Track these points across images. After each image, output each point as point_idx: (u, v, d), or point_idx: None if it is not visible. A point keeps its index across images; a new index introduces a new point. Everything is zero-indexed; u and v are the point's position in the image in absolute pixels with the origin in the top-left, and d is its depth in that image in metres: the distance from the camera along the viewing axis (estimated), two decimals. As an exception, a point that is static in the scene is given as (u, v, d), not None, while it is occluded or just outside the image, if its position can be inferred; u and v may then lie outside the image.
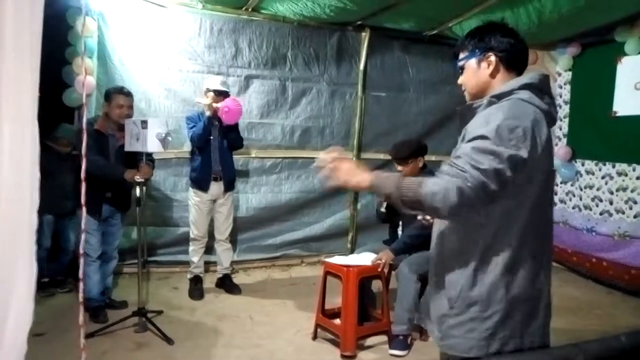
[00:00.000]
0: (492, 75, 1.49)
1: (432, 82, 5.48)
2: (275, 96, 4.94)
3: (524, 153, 1.28)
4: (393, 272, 3.41)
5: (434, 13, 4.55)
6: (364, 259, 3.33)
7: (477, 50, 1.50)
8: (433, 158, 5.06)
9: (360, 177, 1.47)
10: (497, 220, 1.36)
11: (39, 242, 4.32)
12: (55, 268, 4.13)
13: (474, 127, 1.37)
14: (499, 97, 1.42)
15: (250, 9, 4.56)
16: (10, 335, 1.23)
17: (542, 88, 1.44)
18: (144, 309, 3.36)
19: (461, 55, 1.56)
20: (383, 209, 3.52)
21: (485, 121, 1.35)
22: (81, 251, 1.76)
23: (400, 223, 3.52)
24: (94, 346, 3.03)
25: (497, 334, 1.36)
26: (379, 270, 3.23)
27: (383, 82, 5.31)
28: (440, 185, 1.30)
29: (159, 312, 3.61)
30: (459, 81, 1.59)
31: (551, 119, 1.43)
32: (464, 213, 1.33)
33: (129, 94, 3.54)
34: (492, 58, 1.48)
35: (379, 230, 4.30)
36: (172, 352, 3.09)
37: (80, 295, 1.62)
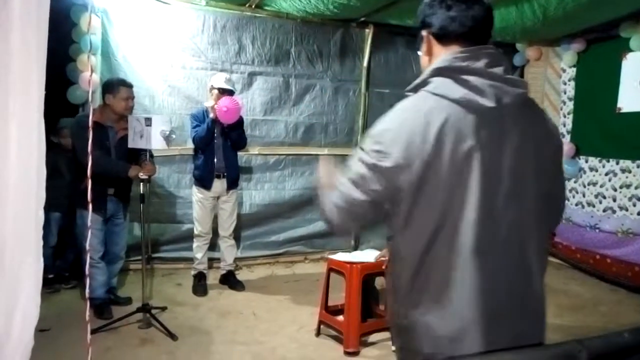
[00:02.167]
0: (429, 55, 1.28)
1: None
2: (278, 93, 4.95)
3: (386, 162, 1.14)
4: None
5: (437, 9, 4.53)
6: (367, 255, 3.34)
7: (418, 30, 1.30)
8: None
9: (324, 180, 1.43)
10: (396, 235, 1.24)
11: (45, 240, 4.34)
12: (61, 264, 4.15)
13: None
14: (415, 89, 1.24)
15: (253, 6, 4.56)
16: (17, 331, 1.24)
17: (462, 68, 1.17)
18: (148, 305, 3.37)
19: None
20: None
21: (377, 121, 1.24)
22: (87, 247, 1.76)
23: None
24: (99, 342, 3.04)
25: None
26: (383, 267, 3.23)
27: (387, 79, 5.30)
28: (327, 197, 1.29)
29: (163, 309, 3.63)
30: None
31: (478, 107, 1.14)
32: (352, 229, 1.28)
33: (131, 85, 3.54)
34: (424, 36, 1.28)
35: (383, 227, 4.30)
36: (176, 348, 3.11)
37: (87, 291, 1.63)
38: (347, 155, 4.79)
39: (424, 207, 1.16)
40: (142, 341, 3.18)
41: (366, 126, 5.25)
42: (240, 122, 4.06)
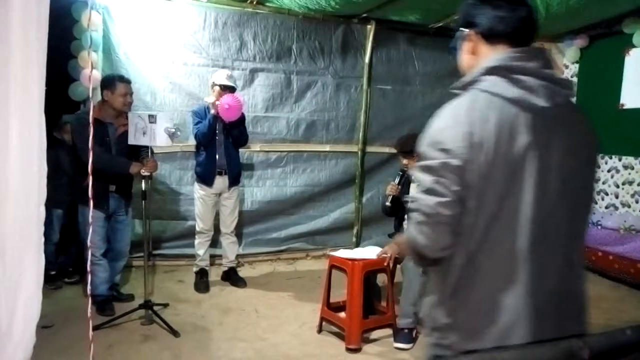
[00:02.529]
0: (473, 53, 1.30)
1: (438, 75, 5.45)
2: (280, 89, 4.94)
3: (455, 160, 1.13)
4: (398, 266, 3.41)
5: (439, 5, 4.51)
6: (369, 252, 3.34)
7: (458, 29, 1.33)
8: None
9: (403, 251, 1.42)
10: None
11: (47, 236, 4.36)
12: (65, 260, 4.17)
13: (423, 134, 1.26)
14: (462, 87, 1.26)
15: (255, 2, 4.54)
16: (19, 327, 1.24)
17: (516, 68, 1.19)
18: (150, 302, 3.38)
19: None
20: (389, 203, 3.52)
21: (427, 127, 1.24)
22: (88, 243, 1.76)
23: (406, 217, 3.51)
24: (101, 338, 3.05)
25: None
26: (385, 263, 3.23)
27: (388, 75, 5.29)
28: (409, 229, 1.24)
29: (165, 305, 3.64)
30: None
31: (532, 108, 1.17)
32: (450, 244, 1.20)
33: (129, 81, 3.53)
34: (469, 35, 1.29)
35: (385, 224, 4.30)
36: (178, 345, 3.12)
37: (89, 287, 1.63)
38: (348, 151, 4.76)
39: (482, 205, 1.17)
40: (144, 338, 3.19)
41: (368, 122, 5.25)
42: (241, 119, 4.05)
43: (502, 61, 1.19)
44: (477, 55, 1.29)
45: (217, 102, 3.83)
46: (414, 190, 1.28)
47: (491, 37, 1.26)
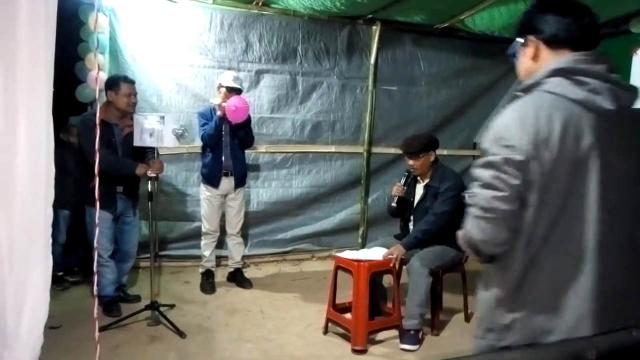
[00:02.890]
0: (535, 59, 1.33)
1: (443, 76, 5.44)
2: (285, 90, 4.94)
3: (518, 156, 1.16)
4: (404, 267, 3.40)
5: (445, 6, 4.51)
6: (375, 253, 3.33)
7: (519, 36, 1.37)
8: (445, 152, 5.05)
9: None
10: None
11: (54, 237, 4.37)
12: (71, 260, 4.19)
13: (486, 132, 1.29)
14: (526, 90, 1.28)
15: (260, 4, 4.55)
16: (26, 328, 1.25)
17: (582, 70, 1.22)
18: (156, 303, 3.39)
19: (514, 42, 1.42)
20: (394, 204, 3.51)
21: (490, 127, 1.27)
22: (95, 244, 1.77)
23: (412, 218, 3.51)
24: (108, 339, 3.07)
25: None
26: (390, 265, 3.22)
27: (394, 76, 5.28)
28: (467, 224, 1.27)
29: (171, 306, 3.65)
30: None
31: (597, 109, 1.19)
32: (506, 240, 1.22)
33: (133, 82, 3.54)
34: (532, 41, 1.33)
35: (390, 225, 4.30)
36: (184, 346, 3.12)
37: (95, 288, 1.64)
38: (353, 152, 4.76)
39: (544, 202, 1.19)
40: (150, 338, 3.20)
41: (373, 123, 5.24)
42: (247, 120, 4.06)
43: (567, 63, 1.23)
44: (538, 61, 1.32)
45: (224, 104, 3.84)
46: (475, 186, 1.28)
47: (555, 43, 1.30)
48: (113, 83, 3.48)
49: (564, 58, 1.25)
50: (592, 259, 1.21)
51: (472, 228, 1.26)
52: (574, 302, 1.21)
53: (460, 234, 1.37)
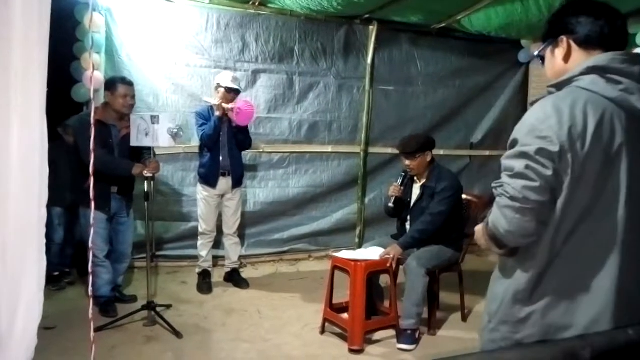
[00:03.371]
0: (566, 59, 1.34)
1: (440, 76, 5.45)
2: (282, 90, 4.94)
3: (553, 146, 1.16)
4: (401, 267, 3.40)
5: (441, 6, 4.51)
6: (372, 253, 3.33)
7: (549, 36, 1.39)
8: (441, 152, 5.06)
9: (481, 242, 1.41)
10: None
11: (49, 236, 4.36)
12: (61, 260, 4.17)
13: (518, 125, 1.29)
14: (559, 86, 1.30)
15: (257, 3, 4.54)
16: (20, 328, 1.24)
17: (617, 69, 1.23)
18: (152, 303, 3.38)
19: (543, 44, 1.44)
20: (391, 204, 3.51)
21: (522, 119, 1.27)
22: (90, 245, 1.76)
23: (409, 217, 3.51)
24: (104, 340, 3.06)
25: None
26: (387, 264, 3.22)
27: (391, 76, 5.28)
28: (493, 214, 1.27)
29: (168, 306, 3.64)
30: None
31: (630, 108, 1.22)
32: (533, 232, 1.21)
33: (131, 84, 3.53)
34: (564, 41, 1.34)
35: (387, 225, 4.30)
36: (181, 346, 3.12)
37: (90, 289, 1.63)
38: (350, 152, 4.75)
39: (573, 197, 1.19)
40: (147, 339, 3.19)
41: (370, 124, 5.24)
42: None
43: (603, 62, 1.24)
44: (569, 62, 1.34)
45: (227, 106, 3.84)
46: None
47: (587, 44, 1.31)
48: (110, 84, 3.49)
49: (601, 56, 1.26)
50: (616, 255, 1.22)
51: (499, 218, 1.24)
52: (595, 297, 1.22)
53: (478, 228, 1.37)
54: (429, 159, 3.43)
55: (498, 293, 1.35)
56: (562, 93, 1.26)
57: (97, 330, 3.14)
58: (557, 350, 1.22)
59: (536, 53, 1.46)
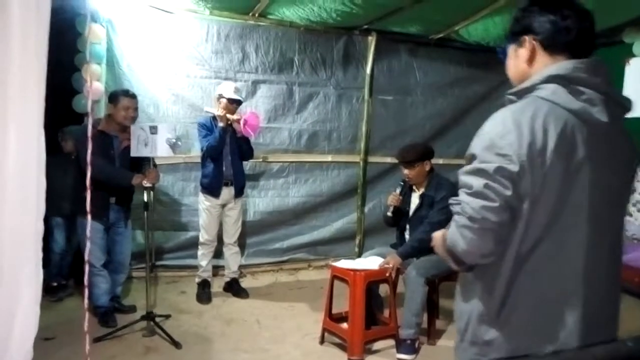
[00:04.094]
0: (530, 62, 1.26)
1: (439, 86, 5.48)
2: (282, 101, 4.96)
3: (513, 166, 1.10)
4: (401, 276, 3.40)
5: (440, 17, 4.54)
6: (371, 262, 3.33)
7: (513, 34, 1.30)
8: (440, 161, 5.07)
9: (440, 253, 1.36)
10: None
11: (49, 247, 4.34)
12: (60, 271, 4.16)
13: (476, 137, 1.23)
14: (519, 94, 1.23)
15: (257, 15, 4.58)
16: (16, 343, 1.24)
17: (579, 79, 1.16)
18: (152, 313, 3.37)
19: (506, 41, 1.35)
20: (390, 214, 3.52)
21: (479, 131, 1.21)
22: (86, 258, 1.76)
23: (408, 227, 3.51)
24: (103, 350, 3.05)
25: None
26: (387, 274, 3.22)
27: (390, 86, 5.31)
28: (450, 232, 1.21)
29: (167, 316, 3.63)
30: None
31: (590, 120, 1.15)
32: (491, 252, 1.16)
33: (134, 96, 3.57)
34: (528, 42, 1.25)
35: (386, 234, 4.29)
36: (180, 356, 3.11)
37: (86, 302, 1.63)
38: (350, 162, 4.74)
39: (534, 215, 1.14)
40: (146, 349, 3.18)
41: (370, 133, 5.26)
42: None
43: (565, 71, 1.17)
44: (533, 64, 1.26)
45: (233, 117, 3.89)
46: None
47: (552, 46, 1.23)
48: (113, 96, 3.54)
49: (563, 64, 1.19)
50: (580, 273, 1.18)
51: (457, 238, 1.18)
52: (563, 323, 1.18)
53: (437, 236, 1.32)
54: (427, 168, 3.44)
55: (464, 311, 1.31)
56: (522, 104, 1.19)
57: (96, 340, 3.15)
58: (556, 361, 1.21)
59: (499, 52, 1.38)
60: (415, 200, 3.50)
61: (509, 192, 1.12)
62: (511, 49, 1.32)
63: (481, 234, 1.14)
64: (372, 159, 5.32)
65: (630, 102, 1.26)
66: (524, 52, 1.27)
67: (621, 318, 4.28)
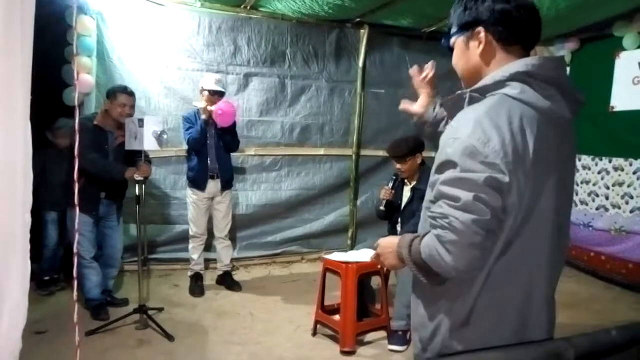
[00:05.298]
0: (484, 57, 1.19)
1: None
2: (274, 94, 4.96)
3: (503, 176, 1.04)
4: (392, 269, 3.42)
5: (432, 10, 4.54)
6: (363, 255, 3.35)
7: (463, 25, 1.21)
8: (433, 154, 5.07)
9: (391, 262, 1.34)
10: None
11: (43, 241, 4.31)
12: (52, 265, 4.15)
13: (444, 141, 1.14)
14: (482, 91, 1.16)
15: (249, 7, 4.57)
16: (4, 334, 1.24)
17: (544, 76, 1.12)
18: (145, 307, 3.38)
19: (452, 32, 1.26)
20: (383, 207, 3.53)
21: (453, 134, 1.12)
22: (75, 251, 1.76)
23: (399, 220, 3.53)
24: (96, 344, 3.06)
25: None
26: (379, 267, 3.24)
27: (382, 79, 5.32)
28: (430, 247, 1.12)
29: (160, 310, 3.64)
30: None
31: (559, 118, 1.14)
32: (481, 265, 1.11)
33: (132, 94, 3.55)
34: (482, 35, 1.18)
35: (379, 227, 4.31)
36: (173, 349, 3.12)
37: (75, 293, 1.63)
38: (342, 155, 4.74)
39: (509, 223, 1.10)
40: (139, 342, 3.19)
41: (362, 127, 5.27)
42: (233, 125, 4.07)
43: (530, 67, 1.12)
44: (487, 60, 1.20)
45: (210, 108, 3.84)
46: (429, 197, 1.16)
47: (507, 39, 1.18)
48: (111, 92, 3.53)
49: (526, 61, 1.14)
50: (543, 275, 1.20)
51: (443, 254, 1.09)
52: (531, 323, 1.21)
53: (386, 245, 1.29)
54: (419, 161, 3.45)
55: (428, 320, 1.25)
56: (492, 103, 1.12)
57: (89, 334, 3.16)
58: (542, 352, 1.23)
59: (449, 42, 1.28)
60: (407, 193, 3.52)
61: (499, 204, 1.05)
62: (460, 41, 1.24)
63: (471, 249, 1.07)
64: (364, 152, 5.33)
65: (584, 96, 1.23)
66: (476, 45, 1.20)
67: (609, 309, 4.35)
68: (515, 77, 1.12)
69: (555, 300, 1.30)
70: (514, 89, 1.11)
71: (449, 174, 1.10)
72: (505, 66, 1.15)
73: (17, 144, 1.22)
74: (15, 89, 1.21)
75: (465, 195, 1.05)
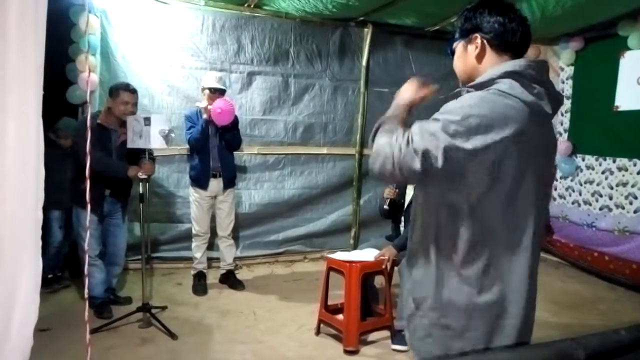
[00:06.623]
0: (479, 59, 1.37)
1: (434, 78, 5.35)
2: (277, 92, 4.95)
3: (467, 145, 1.15)
4: (396, 268, 3.42)
5: (435, 9, 4.54)
6: (366, 254, 3.35)
7: (463, 32, 1.40)
8: (435, 153, 5.08)
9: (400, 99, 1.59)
10: (440, 215, 1.31)
11: (46, 239, 4.32)
12: (56, 262, 4.15)
13: (460, 102, 1.28)
14: (478, 87, 1.30)
15: (252, 6, 4.56)
16: (16, 330, 1.25)
17: (530, 76, 1.27)
18: (148, 305, 3.38)
19: (454, 38, 1.45)
20: (386, 206, 3.52)
21: (445, 106, 1.27)
22: (86, 247, 1.76)
23: (403, 219, 3.53)
24: (99, 342, 3.05)
25: (454, 346, 1.30)
26: (382, 266, 3.24)
27: (385, 78, 5.30)
28: (380, 145, 1.26)
29: (163, 308, 3.64)
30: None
31: (540, 112, 1.26)
32: (385, 179, 1.27)
33: (134, 91, 3.55)
34: (478, 40, 1.36)
35: (382, 226, 4.32)
36: (176, 348, 3.12)
37: (86, 292, 1.63)
38: (345, 154, 4.75)
39: (488, 204, 1.23)
40: (142, 341, 3.19)
41: (365, 125, 5.26)
42: (234, 123, 4.06)
43: (519, 67, 1.27)
44: (481, 61, 1.37)
45: (208, 107, 3.84)
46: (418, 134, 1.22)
47: (499, 46, 1.35)
48: (114, 89, 3.52)
49: (516, 62, 1.30)
50: (526, 260, 1.28)
51: (380, 153, 1.24)
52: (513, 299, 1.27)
53: (380, 141, 1.31)
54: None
55: (423, 278, 1.39)
56: (486, 94, 1.25)
57: (92, 332, 3.14)
58: (551, 352, 1.23)
59: (451, 47, 1.46)
60: (410, 192, 3.51)
61: (439, 165, 1.15)
62: (460, 45, 1.42)
63: (389, 171, 1.20)
64: (367, 151, 5.31)
65: (563, 97, 1.39)
66: (473, 49, 1.38)
67: (613, 309, 4.35)
68: (506, 75, 1.27)
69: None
70: (504, 84, 1.25)
71: (430, 122, 1.24)
72: (497, 66, 1.32)
73: (30, 141, 1.23)
74: (28, 85, 1.22)
75: (422, 144, 1.17)
